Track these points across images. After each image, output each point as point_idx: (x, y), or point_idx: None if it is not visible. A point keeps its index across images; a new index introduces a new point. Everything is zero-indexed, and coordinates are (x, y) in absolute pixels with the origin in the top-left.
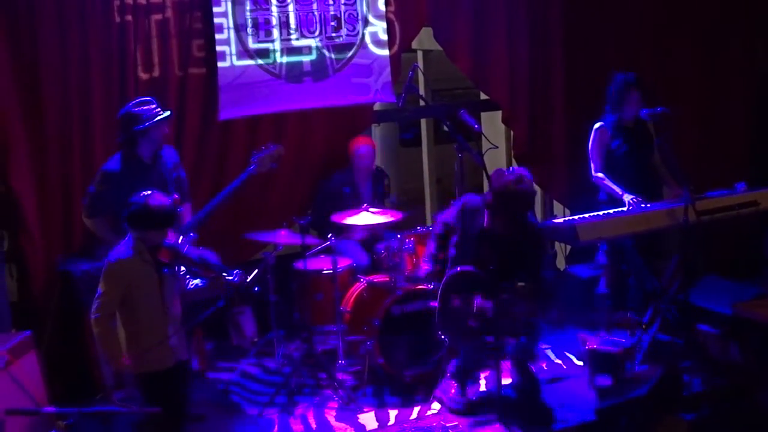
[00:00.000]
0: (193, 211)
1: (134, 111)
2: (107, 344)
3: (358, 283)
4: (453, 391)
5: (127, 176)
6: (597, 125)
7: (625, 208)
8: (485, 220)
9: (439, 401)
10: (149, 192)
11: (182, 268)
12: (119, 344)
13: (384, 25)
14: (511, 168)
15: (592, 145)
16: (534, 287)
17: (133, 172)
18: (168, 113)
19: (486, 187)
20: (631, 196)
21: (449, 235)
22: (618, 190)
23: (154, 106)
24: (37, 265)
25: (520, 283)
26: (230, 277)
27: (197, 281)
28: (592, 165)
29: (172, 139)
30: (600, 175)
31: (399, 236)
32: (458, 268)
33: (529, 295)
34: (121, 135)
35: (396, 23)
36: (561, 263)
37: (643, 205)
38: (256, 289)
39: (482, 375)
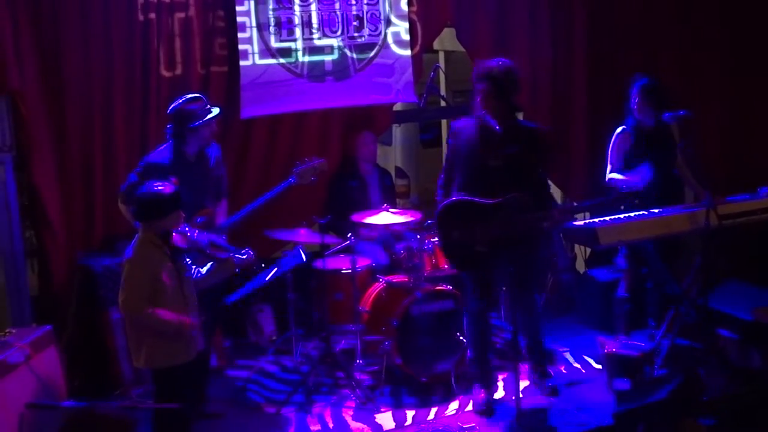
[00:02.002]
0: (228, 210)
1: (186, 108)
2: (164, 324)
3: (377, 283)
4: (479, 393)
5: (171, 171)
6: (619, 129)
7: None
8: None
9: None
10: (148, 182)
11: (188, 259)
12: (173, 316)
13: (406, 25)
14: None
15: (611, 147)
16: (533, 196)
17: (176, 168)
18: (218, 110)
19: None
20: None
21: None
22: (623, 177)
23: (204, 103)
24: (58, 259)
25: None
26: (240, 256)
27: (207, 266)
28: (608, 167)
29: None
30: (612, 175)
31: (419, 236)
32: (451, 199)
33: (528, 204)
34: (171, 130)
35: (418, 23)
36: (581, 266)
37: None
38: (263, 265)
39: (500, 377)
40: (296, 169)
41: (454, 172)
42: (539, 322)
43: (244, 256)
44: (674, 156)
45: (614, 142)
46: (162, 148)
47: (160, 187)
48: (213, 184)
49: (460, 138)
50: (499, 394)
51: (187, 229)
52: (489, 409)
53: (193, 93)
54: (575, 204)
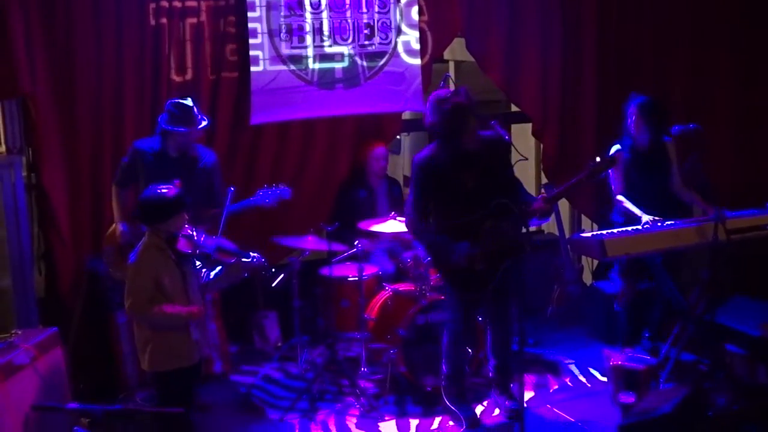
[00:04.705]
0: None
1: (170, 109)
2: (173, 318)
3: (383, 291)
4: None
5: (154, 159)
6: (614, 149)
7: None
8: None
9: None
10: (152, 185)
11: (197, 262)
12: (177, 311)
13: (417, 34)
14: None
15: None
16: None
17: (158, 158)
18: (183, 130)
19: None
20: (649, 217)
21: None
22: (637, 211)
23: (187, 113)
24: (65, 262)
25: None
26: (248, 259)
27: (215, 270)
28: (612, 187)
29: (203, 142)
30: (620, 198)
31: None
32: (437, 236)
33: (510, 207)
34: (159, 123)
35: (428, 33)
36: (588, 278)
37: (659, 224)
38: (272, 270)
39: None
40: (261, 191)
41: (429, 203)
42: (511, 341)
43: (252, 261)
44: (669, 177)
45: None
46: (154, 136)
47: (163, 190)
48: (200, 188)
49: (432, 167)
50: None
51: (194, 232)
52: (473, 423)
53: (203, 99)
54: (555, 190)
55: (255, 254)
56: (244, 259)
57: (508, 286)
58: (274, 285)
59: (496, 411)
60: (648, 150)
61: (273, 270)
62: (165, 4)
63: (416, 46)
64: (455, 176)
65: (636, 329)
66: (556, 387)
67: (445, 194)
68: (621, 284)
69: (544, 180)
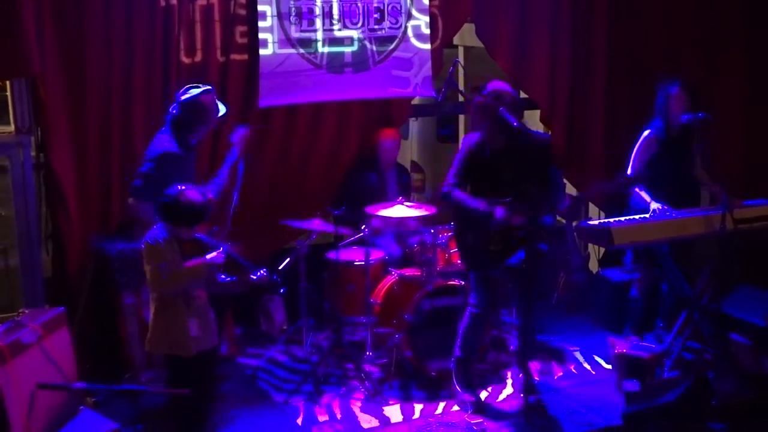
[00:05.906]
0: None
1: (203, 100)
2: (195, 273)
3: (389, 276)
4: (464, 394)
5: (180, 156)
6: (646, 133)
7: (648, 215)
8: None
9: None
10: (184, 187)
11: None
12: (195, 263)
13: (427, 19)
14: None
15: (636, 150)
16: (543, 188)
17: (182, 156)
18: (224, 110)
19: None
20: (658, 205)
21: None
22: (647, 197)
23: (215, 96)
24: (72, 242)
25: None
26: (254, 277)
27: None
28: (629, 168)
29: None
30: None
31: (432, 231)
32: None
33: (538, 196)
34: (178, 118)
35: (438, 18)
36: (594, 266)
37: (667, 214)
38: (282, 291)
39: (508, 374)
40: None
41: (468, 180)
42: (535, 324)
43: (259, 278)
44: (694, 157)
45: (640, 145)
46: (164, 136)
47: (184, 197)
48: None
49: (474, 153)
50: (508, 390)
51: (206, 235)
52: (478, 408)
53: (212, 81)
54: (578, 194)
55: (263, 271)
56: (251, 276)
57: (531, 268)
58: (280, 268)
59: (502, 396)
60: (678, 133)
61: (282, 291)
62: None
63: (426, 31)
64: (494, 167)
65: (649, 316)
66: (561, 374)
67: (482, 180)
68: (638, 271)
69: None
